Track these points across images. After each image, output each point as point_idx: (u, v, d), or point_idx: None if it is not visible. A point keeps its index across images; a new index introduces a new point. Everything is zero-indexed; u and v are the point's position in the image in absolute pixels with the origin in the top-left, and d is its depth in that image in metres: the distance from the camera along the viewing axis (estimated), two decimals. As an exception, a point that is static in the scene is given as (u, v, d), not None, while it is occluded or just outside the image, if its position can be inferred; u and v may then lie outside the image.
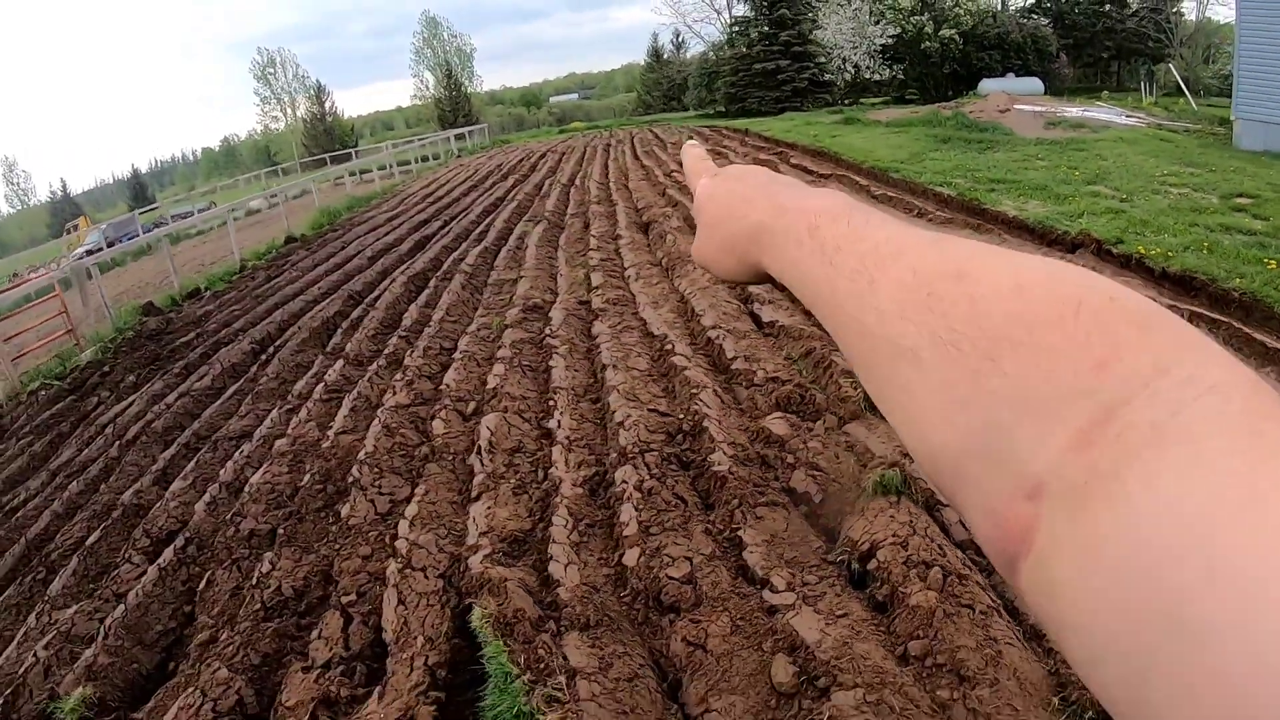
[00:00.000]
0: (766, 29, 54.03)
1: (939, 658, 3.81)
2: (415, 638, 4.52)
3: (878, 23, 54.93)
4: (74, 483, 8.19)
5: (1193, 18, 58.91)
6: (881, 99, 48.30)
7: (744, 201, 0.81)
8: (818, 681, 3.77)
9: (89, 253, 29.31)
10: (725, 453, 5.84)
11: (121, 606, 5.58)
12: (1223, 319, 7.70)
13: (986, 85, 39.08)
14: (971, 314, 0.46)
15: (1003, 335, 0.44)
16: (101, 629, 5.42)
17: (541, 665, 4.05)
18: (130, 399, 10.54)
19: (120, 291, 20.09)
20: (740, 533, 5.04)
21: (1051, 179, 15.09)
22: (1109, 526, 0.35)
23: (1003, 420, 0.41)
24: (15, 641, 5.70)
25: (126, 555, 6.37)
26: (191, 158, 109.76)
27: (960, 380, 0.44)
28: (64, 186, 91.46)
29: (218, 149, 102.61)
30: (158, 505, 7.07)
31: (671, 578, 4.64)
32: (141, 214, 49.86)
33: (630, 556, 4.95)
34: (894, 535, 4.61)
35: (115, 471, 8.20)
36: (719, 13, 71.05)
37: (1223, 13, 58.33)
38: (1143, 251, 9.90)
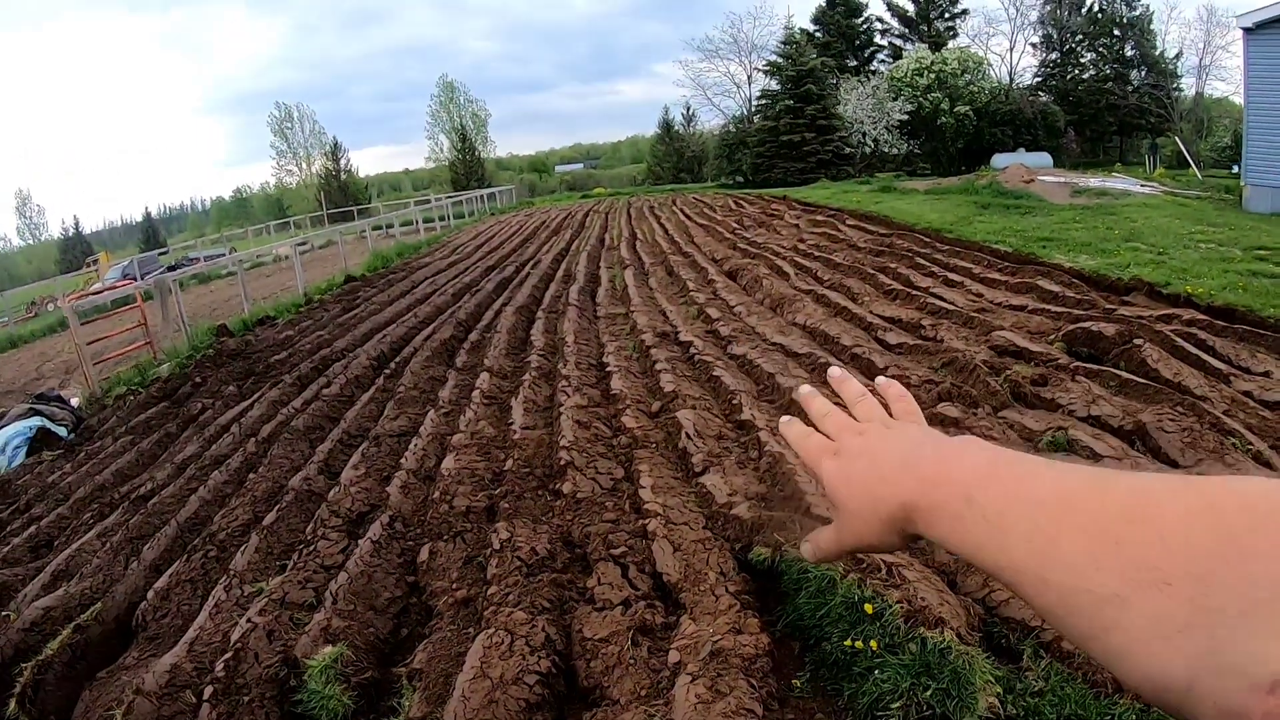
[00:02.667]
0: (792, 103, 55.12)
1: None
2: (706, 574, 4.95)
3: (895, 98, 56.26)
4: (216, 472, 8.35)
5: (1191, 94, 60.54)
6: (894, 173, 49.11)
7: (883, 483, 0.82)
8: None
9: (109, 288, 29.39)
10: None
11: (343, 575, 5.68)
12: (1266, 334, 8.77)
13: (1000, 159, 40.01)
14: (1166, 550, 0.49)
15: (1214, 555, 0.47)
16: (328, 596, 5.43)
17: (863, 564, 4.66)
18: (242, 405, 10.90)
19: (188, 313, 20.39)
20: None
21: (1093, 237, 16.04)
22: None
23: (1229, 631, 0.44)
24: (207, 612, 5.60)
25: (319, 533, 6.47)
26: (201, 206, 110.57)
27: (1177, 610, 0.47)
28: (77, 224, 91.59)
29: (229, 199, 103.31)
30: (335, 490, 7.24)
31: None
32: (161, 254, 49.96)
33: None
34: None
35: (263, 464, 8.38)
36: (739, 87, 72.48)
37: (1220, 88, 60.16)
38: (1189, 291, 10.80)
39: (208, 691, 4.47)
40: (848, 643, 4.22)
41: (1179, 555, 0.48)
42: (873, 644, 4.13)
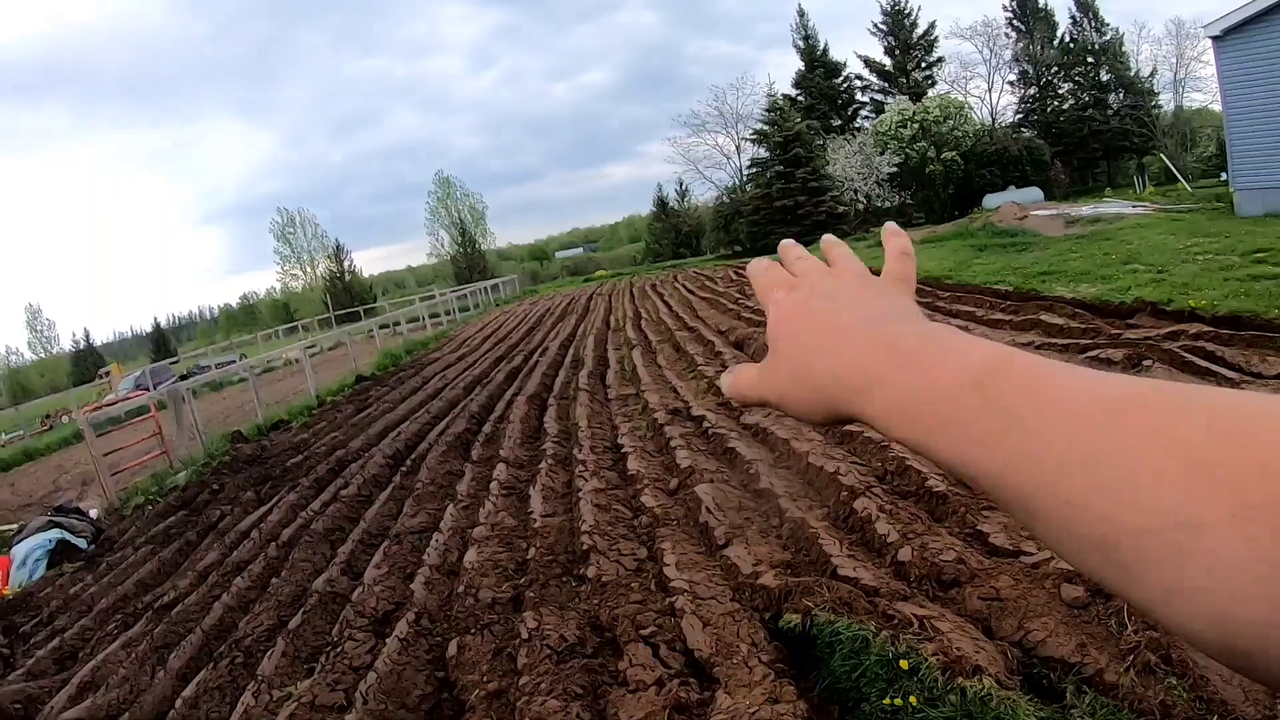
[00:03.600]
0: (782, 168, 55.81)
1: None
2: (737, 646, 4.94)
3: (882, 152, 56.90)
4: (239, 578, 8.38)
5: (1170, 109, 61.08)
6: (889, 226, 49.32)
7: (840, 334, 0.69)
8: (1104, 591, 4.55)
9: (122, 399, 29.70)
10: (937, 480, 6.70)
11: (372, 675, 5.66)
12: (1275, 334, 8.80)
13: (991, 200, 40.32)
14: (1264, 476, 0.43)
15: None
16: (358, 696, 5.42)
17: (895, 620, 4.68)
18: (261, 510, 10.98)
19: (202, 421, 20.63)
20: (979, 526, 5.89)
21: (1092, 265, 16.18)
22: None
23: None
24: (237, 718, 5.55)
25: (345, 634, 6.46)
26: (209, 314, 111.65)
27: (1270, 540, 0.42)
28: (87, 336, 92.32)
29: (236, 306, 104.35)
30: (359, 590, 7.24)
31: (945, 560, 5.40)
32: (172, 364, 50.34)
33: (904, 553, 5.65)
34: None
35: (285, 568, 8.39)
36: (728, 157, 73.38)
37: (1198, 98, 60.72)
38: (1193, 305, 10.87)
39: (244, 800, 4.45)
40: (887, 701, 4.19)
41: (1272, 487, 0.42)
42: (912, 699, 4.10)
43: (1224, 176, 25.43)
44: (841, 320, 0.70)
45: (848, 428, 8.55)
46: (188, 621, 7.48)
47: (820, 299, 0.74)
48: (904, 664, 4.28)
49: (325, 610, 7.09)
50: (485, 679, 5.46)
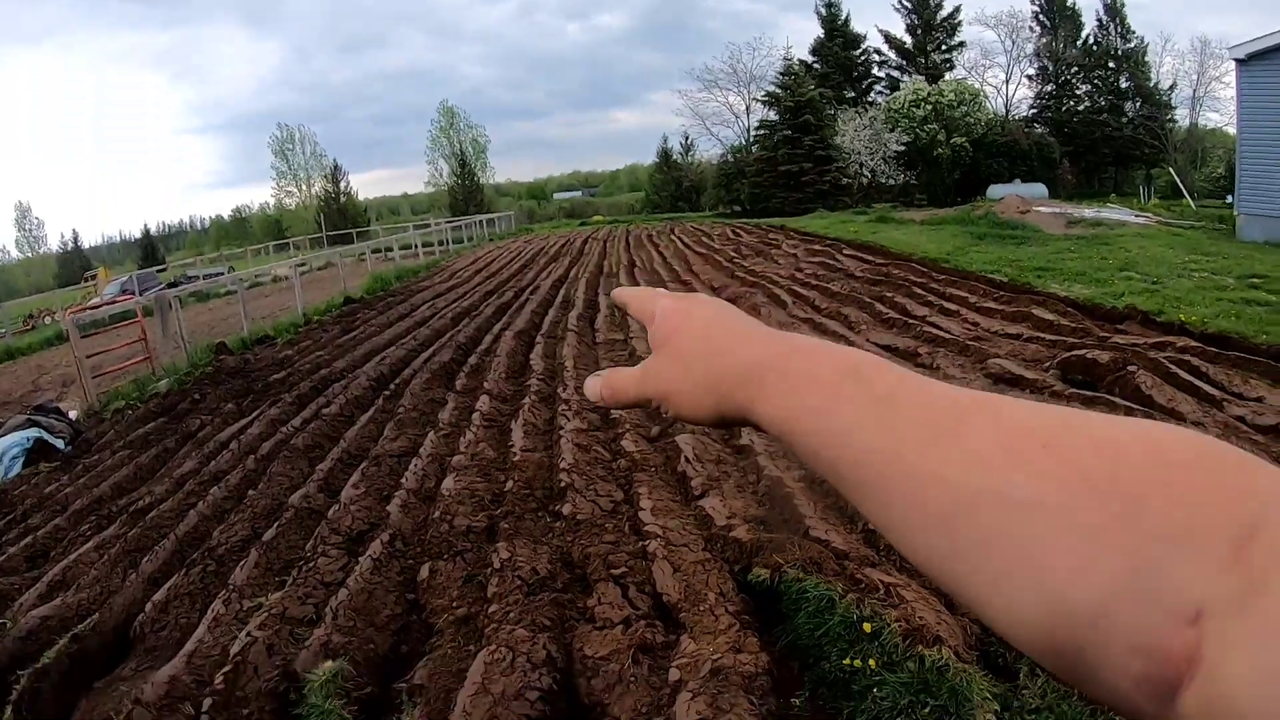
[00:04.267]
0: (790, 133, 55.51)
1: None
2: (705, 594, 5.02)
3: (892, 129, 56.69)
4: (215, 488, 8.37)
5: (1185, 124, 61.03)
6: (891, 204, 49.39)
7: (730, 333, 0.71)
8: None
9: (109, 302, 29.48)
10: None
11: (343, 591, 5.71)
12: (1259, 360, 8.93)
13: (995, 190, 40.32)
14: (1102, 458, 0.45)
15: (1147, 474, 0.44)
16: (328, 612, 5.46)
17: (861, 584, 4.81)
18: (241, 422, 10.95)
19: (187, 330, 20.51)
20: None
21: (1088, 267, 16.33)
22: (1275, 618, 0.37)
23: (1156, 555, 0.41)
24: (206, 625, 5.61)
25: (319, 550, 6.48)
26: (200, 225, 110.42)
27: (1108, 524, 0.43)
28: (76, 238, 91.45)
29: (228, 219, 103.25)
30: (335, 508, 7.27)
31: None
32: (159, 271, 49.96)
33: None
34: None
35: (262, 481, 8.41)
36: (737, 117, 72.96)
37: (1213, 118, 60.66)
38: (1183, 319, 10.99)
39: (206, 704, 4.48)
40: (846, 661, 4.29)
41: (1118, 466, 0.44)
42: (871, 662, 4.19)
43: (1229, 199, 25.49)
44: (731, 323, 0.73)
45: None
46: (162, 527, 7.48)
47: (703, 305, 0.77)
48: (867, 627, 4.37)
49: (300, 525, 7.12)
50: (455, 604, 5.55)
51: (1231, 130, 28.06)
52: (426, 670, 4.81)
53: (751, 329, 0.71)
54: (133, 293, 34.00)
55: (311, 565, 6.23)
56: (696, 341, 0.73)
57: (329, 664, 4.81)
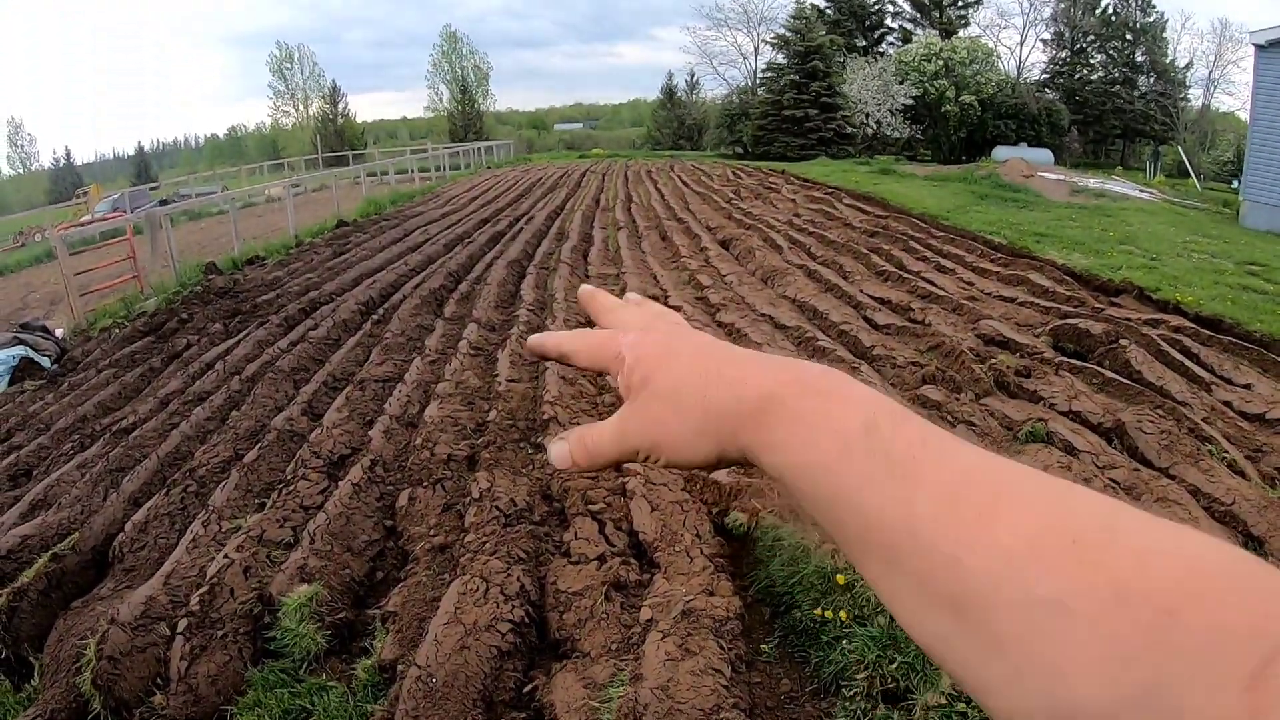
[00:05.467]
0: (797, 78, 54.88)
1: None
2: (682, 535, 5.07)
3: (901, 82, 56.16)
4: (199, 409, 8.34)
5: (1198, 105, 60.62)
6: (894, 156, 49.09)
7: (730, 360, 0.64)
8: None
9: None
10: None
11: (322, 515, 5.73)
12: (1250, 348, 8.92)
13: (1001, 152, 39.91)
14: (1139, 568, 0.43)
15: (1179, 586, 0.41)
16: (305, 535, 5.48)
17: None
18: (228, 343, 10.92)
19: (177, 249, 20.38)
20: None
21: (1088, 237, 16.24)
22: None
23: (1177, 672, 0.39)
24: (184, 546, 5.62)
25: (299, 473, 6.50)
26: (194, 143, 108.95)
27: (1130, 635, 0.41)
28: (68, 154, 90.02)
29: (223, 137, 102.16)
30: (317, 432, 7.29)
31: None
32: (152, 189, 49.47)
33: None
34: (1057, 463, 5.80)
35: (246, 402, 8.41)
36: (745, 58, 72.12)
37: (1226, 101, 60.22)
38: (1179, 298, 10.96)
39: (182, 624, 4.50)
40: (818, 611, 4.32)
41: (1151, 577, 0.42)
42: (842, 614, 4.22)
43: (1235, 184, 25.26)
44: (732, 351, 0.66)
45: (820, 343, 8.76)
46: (144, 447, 7.47)
47: (693, 339, 0.69)
48: (840, 579, 4.40)
49: (282, 448, 7.14)
50: (432, 532, 5.59)
51: (1244, 115, 27.85)
52: (400, 597, 4.84)
53: (749, 354, 0.65)
54: (124, 210, 33.67)
55: (291, 489, 6.27)
56: (688, 372, 0.64)
57: (304, 588, 4.84)
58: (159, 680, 4.32)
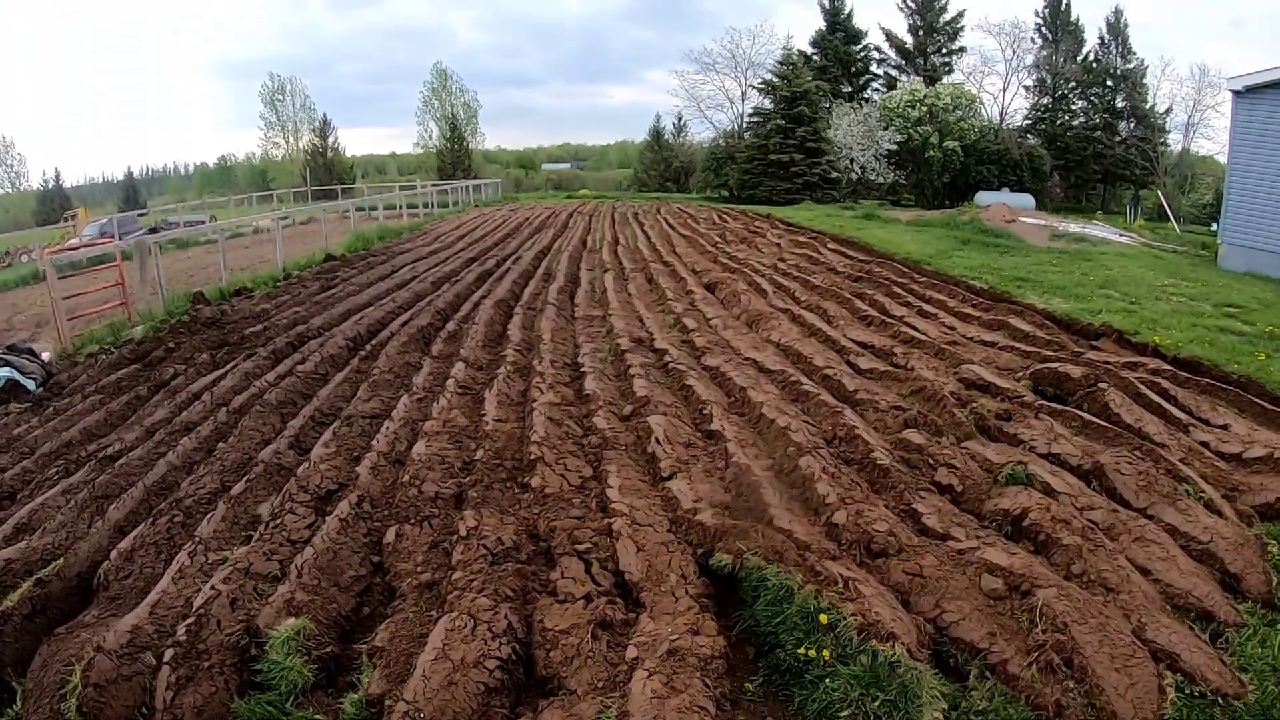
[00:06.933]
0: (783, 123, 55.44)
1: (1090, 576, 5.08)
2: (667, 575, 5.16)
3: (886, 128, 56.81)
4: (186, 439, 8.36)
5: (1177, 149, 61.48)
6: (878, 201, 49.52)
7: None
8: (1021, 588, 4.86)
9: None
10: (883, 452, 6.97)
11: (309, 550, 5.75)
12: (1228, 389, 8.97)
13: (984, 197, 40.39)
14: None
15: None
16: (293, 569, 5.53)
17: (821, 576, 4.88)
18: (215, 374, 10.94)
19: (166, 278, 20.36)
20: (915, 505, 6.15)
21: (1068, 281, 16.31)
22: None
23: None
24: (170, 576, 5.64)
25: (287, 507, 6.52)
26: (184, 170, 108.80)
27: None
28: (58, 176, 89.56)
29: (213, 166, 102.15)
30: (305, 466, 7.34)
31: (877, 530, 5.62)
32: (140, 215, 49.38)
33: (839, 516, 5.86)
34: (1037, 504, 5.88)
35: (233, 434, 8.44)
36: (733, 102, 72.80)
37: (1205, 145, 61.12)
38: (1157, 341, 11.04)
39: (168, 654, 4.52)
40: (801, 651, 4.37)
41: None
42: (825, 653, 4.28)
43: (1214, 226, 25.67)
44: None
45: (804, 387, 8.78)
46: (130, 475, 7.48)
47: None
48: (823, 619, 4.46)
49: (269, 481, 7.17)
50: (419, 569, 5.61)
51: (1222, 159, 28.29)
52: (388, 632, 4.86)
53: None
54: (112, 235, 33.61)
55: (278, 522, 6.27)
56: None
57: (291, 621, 4.86)
58: (144, 709, 4.32)
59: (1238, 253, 21.09)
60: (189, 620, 4.84)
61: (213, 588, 5.24)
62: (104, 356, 12.92)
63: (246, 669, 4.62)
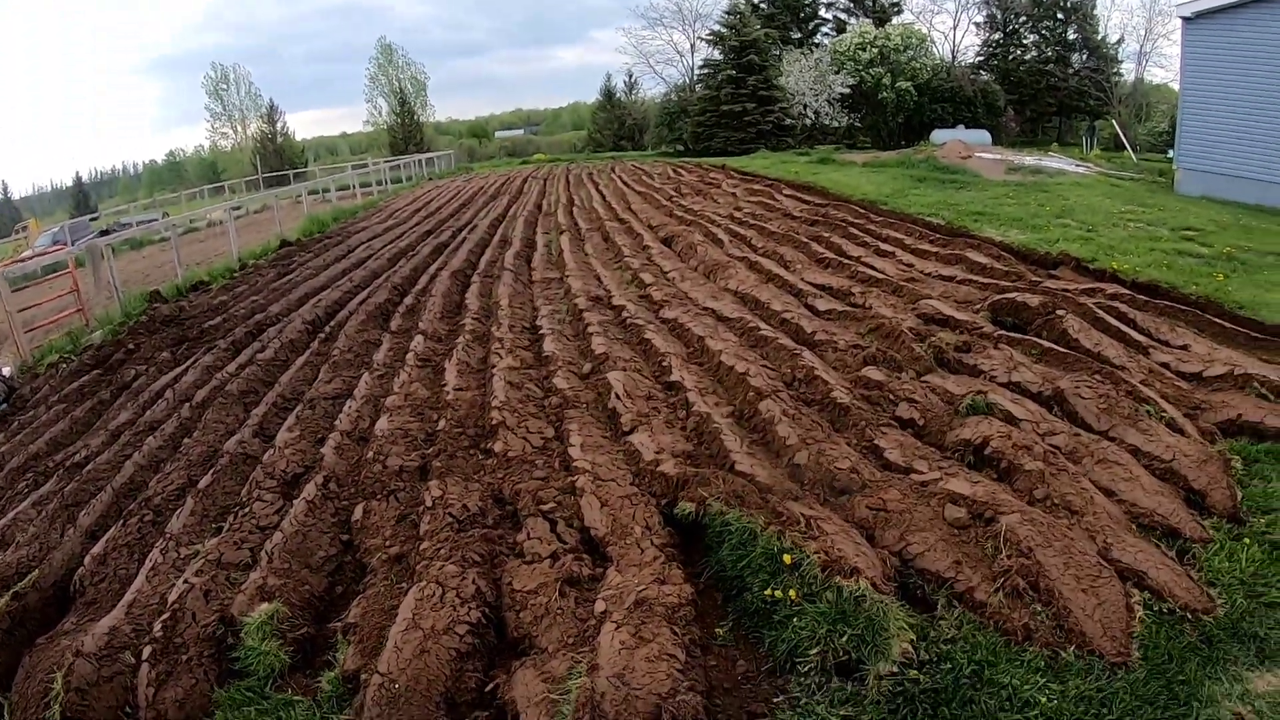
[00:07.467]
0: (734, 73, 55.03)
1: (1054, 500, 5.16)
2: (632, 528, 5.22)
3: (838, 72, 56.50)
4: (150, 438, 8.34)
5: (1131, 78, 61.64)
6: (834, 145, 49.35)
7: None
8: (985, 515, 4.93)
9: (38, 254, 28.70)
10: (842, 391, 7.07)
11: (278, 535, 5.79)
12: (1187, 310, 9.11)
13: (939, 135, 40.22)
14: None
15: None
16: (263, 555, 5.57)
17: (783, 517, 4.94)
18: (176, 371, 10.85)
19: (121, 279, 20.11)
20: (877, 441, 6.22)
21: (1024, 213, 16.26)
22: None
23: None
24: (144, 575, 5.66)
25: (254, 495, 6.55)
26: (133, 170, 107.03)
27: None
28: (5, 189, 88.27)
29: (162, 163, 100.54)
30: (270, 453, 7.36)
31: (840, 468, 5.70)
32: (92, 219, 48.76)
33: (801, 457, 5.95)
34: (998, 433, 5.96)
35: (198, 428, 8.41)
36: (682, 56, 72.27)
37: (1159, 74, 61.31)
38: (1115, 267, 11.10)
39: (146, 651, 4.56)
40: (768, 592, 4.43)
41: None
42: (791, 593, 4.34)
43: (1171, 154, 25.75)
44: None
45: (763, 332, 8.82)
46: (98, 480, 7.47)
47: None
48: (787, 559, 4.52)
49: (235, 471, 7.18)
50: (388, 543, 5.66)
51: (1176, 86, 28.31)
52: (360, 608, 4.91)
53: None
54: (65, 243, 33.16)
55: (247, 510, 6.30)
56: None
57: (265, 606, 4.89)
58: (128, 708, 4.36)
59: (1193, 177, 21.17)
60: (164, 616, 4.87)
61: (185, 581, 5.27)
62: (64, 365, 12.69)
63: (225, 658, 4.66)
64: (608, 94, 77.47)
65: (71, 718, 4.24)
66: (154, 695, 4.33)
